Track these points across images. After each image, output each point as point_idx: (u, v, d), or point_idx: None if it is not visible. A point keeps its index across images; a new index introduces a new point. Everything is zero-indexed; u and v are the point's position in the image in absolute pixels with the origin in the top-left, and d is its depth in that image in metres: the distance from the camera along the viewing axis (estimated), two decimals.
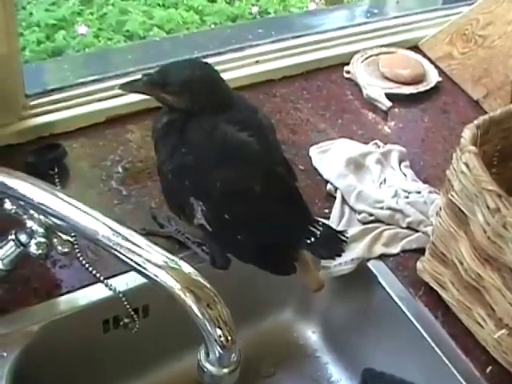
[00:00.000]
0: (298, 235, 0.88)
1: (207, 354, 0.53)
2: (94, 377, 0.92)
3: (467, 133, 0.81)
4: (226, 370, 0.53)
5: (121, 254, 0.52)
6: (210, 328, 0.50)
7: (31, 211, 0.74)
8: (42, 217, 0.74)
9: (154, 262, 0.50)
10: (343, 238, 0.92)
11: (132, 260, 0.51)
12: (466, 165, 0.78)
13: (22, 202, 0.60)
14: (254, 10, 3.95)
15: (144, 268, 0.51)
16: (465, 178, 0.78)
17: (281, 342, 1.08)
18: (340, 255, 0.92)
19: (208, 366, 0.53)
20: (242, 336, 1.02)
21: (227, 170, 0.81)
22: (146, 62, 1.18)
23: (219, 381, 0.55)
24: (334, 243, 0.91)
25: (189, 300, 0.50)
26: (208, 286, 0.50)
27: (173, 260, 0.50)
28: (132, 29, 3.54)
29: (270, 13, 4.00)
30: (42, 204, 0.57)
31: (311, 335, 1.09)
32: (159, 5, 3.84)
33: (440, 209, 0.87)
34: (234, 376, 0.54)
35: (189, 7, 3.82)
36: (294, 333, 1.09)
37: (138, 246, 0.52)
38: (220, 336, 0.51)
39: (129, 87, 0.87)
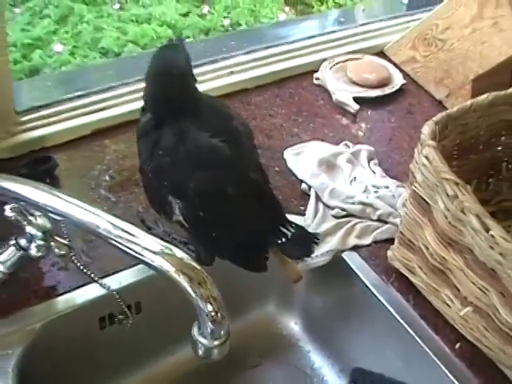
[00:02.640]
0: (269, 235, 0.94)
1: (200, 329, 0.60)
2: (92, 371, 0.97)
3: (426, 129, 0.89)
4: (216, 342, 0.60)
5: (121, 244, 0.58)
6: (201, 304, 0.57)
7: (30, 217, 0.80)
8: (40, 221, 0.81)
9: (150, 250, 0.57)
10: (314, 239, 0.97)
11: (131, 249, 0.58)
12: (426, 158, 0.85)
13: (28, 204, 0.66)
14: (226, 22, 4.02)
15: (142, 255, 0.57)
16: (426, 169, 0.86)
17: (265, 334, 1.14)
18: (309, 256, 0.97)
19: (201, 339, 0.60)
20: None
21: (200, 173, 0.86)
22: (126, 76, 1.25)
23: (211, 352, 0.61)
24: (305, 244, 0.96)
25: (183, 281, 0.57)
26: (198, 267, 0.57)
27: (167, 247, 0.57)
28: (107, 45, 3.59)
29: (241, 24, 4.07)
30: (47, 204, 0.63)
31: (293, 326, 1.15)
32: (132, 21, 3.90)
33: (406, 200, 0.94)
34: (224, 348, 0.61)
35: (162, 22, 3.87)
36: (277, 324, 1.15)
37: (135, 236, 0.58)
38: (211, 311, 0.57)
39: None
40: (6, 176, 0.70)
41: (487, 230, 0.77)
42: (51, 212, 0.63)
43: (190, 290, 0.56)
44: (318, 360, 1.12)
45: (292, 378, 1.11)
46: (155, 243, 0.57)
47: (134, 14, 3.89)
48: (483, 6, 1.29)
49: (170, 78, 0.87)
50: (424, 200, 0.89)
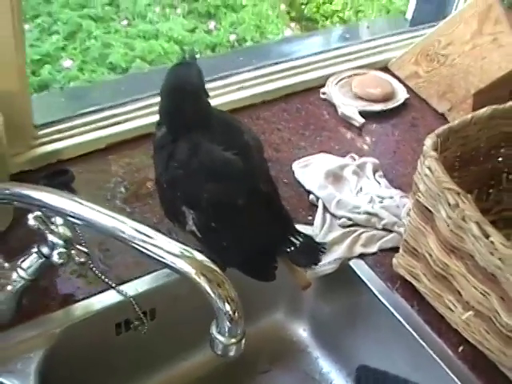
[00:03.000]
0: (278, 245, 0.98)
1: (218, 327, 0.64)
2: (108, 375, 1.01)
3: (428, 141, 0.93)
4: (233, 340, 0.64)
5: (144, 248, 0.62)
6: (220, 304, 0.61)
7: (52, 226, 0.85)
8: (62, 230, 0.85)
9: (172, 253, 0.61)
10: (321, 248, 1.02)
11: (153, 252, 0.62)
12: (429, 168, 0.90)
13: (53, 211, 0.70)
14: (232, 38, 4.08)
15: (164, 258, 0.61)
16: (428, 180, 0.90)
17: (275, 340, 1.18)
18: (316, 264, 1.01)
19: (219, 336, 0.64)
20: None
21: (213, 185, 0.90)
22: (137, 92, 1.30)
23: (228, 349, 0.65)
24: (312, 253, 1.01)
25: (203, 282, 0.61)
26: (217, 270, 0.61)
27: (187, 250, 0.61)
28: (115, 61, 3.64)
29: (247, 40, 4.13)
30: (72, 211, 0.67)
31: (302, 333, 1.19)
32: (140, 36, 3.96)
33: (410, 209, 0.98)
34: (240, 345, 0.65)
35: (169, 38, 3.93)
36: (286, 331, 1.19)
37: (156, 240, 0.62)
38: (228, 311, 0.61)
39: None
40: (31, 185, 0.74)
41: (487, 236, 0.81)
42: (76, 218, 0.67)
43: (209, 290, 0.60)
44: (326, 365, 1.16)
45: (301, 383, 1.14)
46: (176, 246, 0.61)
47: (142, 30, 3.95)
48: (483, 22, 1.34)
49: (183, 93, 0.91)
50: (427, 209, 0.93)
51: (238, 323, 0.62)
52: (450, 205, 0.86)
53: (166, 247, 0.61)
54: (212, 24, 4.21)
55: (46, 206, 0.68)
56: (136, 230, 0.63)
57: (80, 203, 0.66)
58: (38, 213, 0.84)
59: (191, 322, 1.05)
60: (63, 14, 3.86)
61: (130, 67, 3.64)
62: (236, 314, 0.61)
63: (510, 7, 1.34)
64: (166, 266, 0.62)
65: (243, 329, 0.63)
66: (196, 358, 1.12)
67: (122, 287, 0.97)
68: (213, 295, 0.60)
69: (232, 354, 0.65)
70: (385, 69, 1.55)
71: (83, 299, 0.95)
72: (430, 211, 0.92)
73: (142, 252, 0.63)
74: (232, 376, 1.13)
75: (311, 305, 1.16)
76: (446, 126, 0.98)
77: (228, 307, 0.61)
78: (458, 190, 0.85)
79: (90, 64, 3.63)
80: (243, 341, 0.64)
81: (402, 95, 1.47)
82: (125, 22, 3.99)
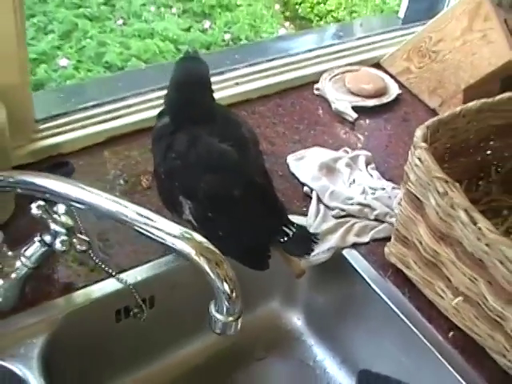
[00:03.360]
0: (272, 235, 1.01)
1: (217, 306, 0.67)
2: (108, 361, 1.04)
3: (419, 132, 0.96)
4: (231, 318, 0.67)
5: (145, 230, 0.65)
6: (218, 284, 0.64)
7: (54, 215, 0.87)
8: (64, 219, 0.88)
9: (173, 235, 0.64)
10: (314, 238, 1.04)
11: (155, 235, 0.65)
12: (419, 158, 0.93)
13: (57, 197, 0.72)
14: (227, 37, 4.11)
15: (165, 240, 0.64)
16: (418, 169, 0.93)
17: (270, 329, 1.21)
18: (309, 254, 1.04)
19: (217, 315, 0.67)
20: None
21: (209, 175, 0.93)
22: (135, 88, 1.33)
23: (227, 327, 0.68)
24: (305, 243, 1.03)
25: (202, 262, 0.64)
26: (216, 251, 0.64)
27: (187, 232, 0.64)
28: (110, 60, 3.66)
29: (241, 39, 4.16)
30: (76, 196, 0.70)
31: (296, 321, 1.22)
32: (135, 36, 3.98)
33: (401, 199, 1.01)
34: (238, 323, 0.68)
35: (164, 37, 3.95)
36: (281, 320, 1.22)
37: (158, 222, 0.65)
38: (227, 290, 0.64)
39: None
40: (35, 172, 0.77)
41: (474, 223, 0.84)
42: (80, 203, 0.69)
43: (208, 270, 0.63)
44: (320, 353, 1.19)
45: (296, 370, 1.17)
46: (176, 229, 0.64)
47: (137, 29, 3.97)
48: (473, 19, 1.37)
49: (194, 87, 0.96)
50: (417, 198, 0.96)
51: (236, 302, 0.65)
52: (439, 193, 0.89)
53: (166, 229, 0.64)
54: (207, 23, 4.24)
55: (51, 192, 0.71)
56: (138, 213, 0.66)
57: (83, 188, 0.69)
58: (41, 202, 0.86)
59: (189, 310, 1.08)
60: (59, 14, 3.88)
61: (126, 66, 3.66)
62: (234, 293, 0.64)
63: (499, 4, 1.37)
64: (167, 247, 0.65)
65: (240, 307, 0.66)
66: (194, 346, 1.15)
67: (121, 275, 0.99)
68: (212, 275, 0.63)
69: (230, 331, 0.68)
70: (377, 65, 1.59)
71: (84, 287, 0.98)
72: (420, 200, 0.95)
73: (143, 234, 0.66)
74: (229, 363, 1.16)
75: (305, 294, 1.19)
76: (435, 118, 1.01)
77: (226, 286, 0.64)
78: (447, 178, 0.88)
79: (86, 63, 3.65)
80: (240, 319, 0.67)
81: (394, 91, 1.50)
82: (120, 22, 4.02)
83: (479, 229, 0.83)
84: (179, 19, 4.19)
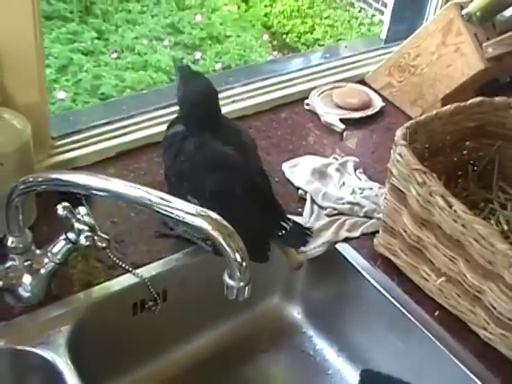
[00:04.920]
0: (271, 229, 1.12)
1: (229, 274, 0.77)
2: (125, 352, 1.13)
3: (399, 132, 1.08)
4: (242, 284, 0.77)
5: (166, 211, 0.76)
6: (231, 253, 0.74)
7: (78, 215, 0.98)
8: (86, 218, 0.99)
9: (191, 213, 0.75)
10: (308, 232, 1.17)
11: (175, 214, 0.75)
12: (400, 154, 1.04)
13: (81, 188, 0.83)
14: (218, 66, 4.25)
15: (184, 218, 0.75)
16: (399, 164, 1.05)
17: (272, 322, 1.30)
18: (305, 245, 1.16)
19: (231, 282, 0.77)
20: (240, 320, 1.28)
21: (214, 175, 1.06)
22: (139, 108, 1.44)
23: (238, 292, 0.78)
24: (301, 236, 1.16)
25: (217, 235, 0.74)
26: (229, 226, 0.75)
27: (203, 210, 0.75)
28: (106, 91, 3.78)
29: (231, 68, 4.31)
30: (98, 186, 0.80)
31: (296, 315, 1.32)
32: (129, 68, 4.12)
33: (386, 193, 1.13)
34: (248, 289, 0.78)
35: (157, 68, 4.08)
36: (282, 314, 1.32)
37: (177, 204, 0.76)
38: (238, 259, 0.75)
39: (175, 59, 1.21)
40: (68, 171, 0.88)
41: (450, 206, 0.96)
42: (109, 192, 0.80)
43: (223, 242, 0.74)
44: (319, 342, 1.28)
45: (298, 359, 1.27)
46: (193, 208, 0.75)
47: (131, 61, 4.11)
48: (446, 35, 1.49)
49: (208, 101, 1.10)
50: (400, 190, 1.07)
51: (246, 269, 0.76)
52: (418, 183, 1.01)
53: (185, 209, 0.75)
54: (198, 54, 4.38)
55: (84, 186, 0.82)
56: (159, 197, 0.77)
57: (109, 180, 0.80)
58: (66, 203, 0.98)
59: (199, 304, 1.18)
60: (54, 49, 4.01)
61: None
62: (244, 261, 0.75)
63: (469, 20, 1.49)
64: (186, 224, 0.75)
65: (250, 275, 0.77)
66: (203, 340, 1.25)
67: (136, 271, 1.10)
68: (226, 246, 0.74)
69: (243, 296, 0.79)
70: (362, 82, 1.70)
71: (103, 282, 1.08)
72: (403, 192, 1.06)
73: (164, 215, 0.76)
74: (235, 356, 1.25)
75: (303, 288, 1.29)
76: (413, 120, 1.13)
77: (238, 256, 0.75)
78: (425, 169, 1.00)
79: (83, 95, 3.78)
80: (250, 285, 0.78)
81: (378, 103, 1.62)
82: (114, 55, 4.15)
83: (455, 211, 0.95)
84: (171, 51, 4.34)
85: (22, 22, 1.07)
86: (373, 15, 5.32)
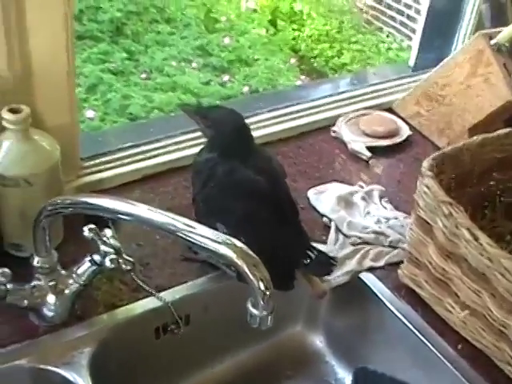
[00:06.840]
0: (297, 257, 1.12)
1: (253, 303, 0.78)
2: (147, 374, 1.13)
3: (425, 163, 1.08)
4: (265, 313, 0.77)
5: (191, 238, 0.77)
6: (255, 283, 0.75)
7: (104, 238, 0.99)
8: (112, 241, 1.00)
9: (216, 241, 0.75)
10: (333, 261, 1.17)
11: (200, 242, 0.76)
12: (426, 186, 1.04)
13: (106, 212, 0.84)
14: (245, 89, 4.29)
15: (209, 246, 0.75)
16: (426, 196, 1.04)
17: (295, 350, 1.30)
18: (329, 274, 1.16)
19: (254, 311, 0.77)
20: (263, 346, 1.27)
21: (242, 202, 1.07)
22: (165, 132, 1.45)
23: (261, 321, 0.78)
24: (325, 265, 1.16)
25: (242, 264, 0.75)
26: (254, 255, 0.76)
27: (228, 238, 0.75)
28: (135, 112, 3.83)
29: (259, 92, 4.34)
30: (124, 210, 0.82)
31: (319, 343, 1.31)
32: (157, 89, 4.17)
33: (412, 224, 1.12)
34: (271, 318, 0.78)
35: (185, 90, 4.13)
36: (305, 342, 1.32)
37: (202, 231, 0.77)
38: (262, 288, 0.75)
39: (183, 108, 1.19)
40: (97, 194, 0.89)
41: (477, 239, 0.95)
42: (134, 217, 0.81)
43: (247, 271, 0.74)
44: (341, 371, 1.27)
45: None
46: (218, 235, 0.76)
47: (160, 82, 4.16)
48: (475, 65, 1.49)
49: (243, 130, 1.13)
50: (426, 222, 1.07)
51: (270, 299, 0.76)
52: (445, 215, 1.00)
53: (210, 236, 0.76)
54: (226, 77, 4.42)
55: (112, 211, 0.83)
56: (185, 223, 0.77)
57: (135, 205, 0.81)
58: (92, 225, 0.99)
59: (221, 329, 1.18)
60: (85, 68, 4.08)
61: (149, 118, 3.83)
62: (268, 291, 0.75)
63: (498, 50, 1.49)
64: (212, 252, 0.76)
65: (273, 304, 0.77)
66: (225, 364, 1.25)
67: (160, 294, 1.10)
68: (250, 275, 0.74)
69: (266, 325, 0.79)
70: (389, 109, 1.70)
71: (127, 304, 1.09)
72: (429, 223, 1.06)
73: (189, 242, 0.77)
74: (256, 382, 1.25)
75: (326, 317, 1.28)
76: (440, 152, 1.13)
77: (262, 285, 0.75)
78: (452, 201, 0.99)
79: (111, 115, 3.83)
80: (273, 314, 0.78)
81: (405, 132, 1.61)
82: (144, 76, 4.21)
83: (481, 244, 0.94)
84: (199, 73, 4.38)
85: (56, 43, 1.09)
86: (401, 40, 5.33)
